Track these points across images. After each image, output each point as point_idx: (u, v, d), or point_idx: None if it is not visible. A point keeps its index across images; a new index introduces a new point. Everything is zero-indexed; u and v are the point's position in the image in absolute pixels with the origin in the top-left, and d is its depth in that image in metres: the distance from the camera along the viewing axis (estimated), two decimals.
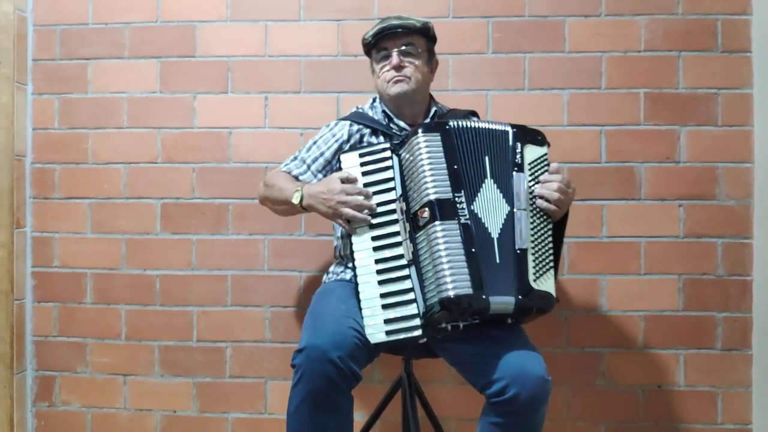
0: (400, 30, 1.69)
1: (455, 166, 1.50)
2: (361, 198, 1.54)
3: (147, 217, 2.17)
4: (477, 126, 1.56)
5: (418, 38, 1.73)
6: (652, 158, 2.08)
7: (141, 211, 2.17)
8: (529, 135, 1.59)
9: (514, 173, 1.53)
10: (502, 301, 1.43)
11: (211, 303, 2.15)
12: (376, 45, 1.74)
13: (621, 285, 2.08)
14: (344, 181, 1.56)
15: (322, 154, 1.76)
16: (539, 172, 1.57)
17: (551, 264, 1.52)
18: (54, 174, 2.20)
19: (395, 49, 1.70)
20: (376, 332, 1.47)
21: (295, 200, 1.63)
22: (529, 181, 1.55)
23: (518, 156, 1.55)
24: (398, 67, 1.70)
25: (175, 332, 2.16)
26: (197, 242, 2.16)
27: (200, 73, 2.16)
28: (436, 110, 1.80)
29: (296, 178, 1.76)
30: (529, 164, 1.56)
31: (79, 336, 2.18)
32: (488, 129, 1.57)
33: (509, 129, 1.58)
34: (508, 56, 2.11)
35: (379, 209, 1.55)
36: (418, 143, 1.51)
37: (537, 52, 2.10)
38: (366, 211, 1.53)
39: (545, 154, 1.59)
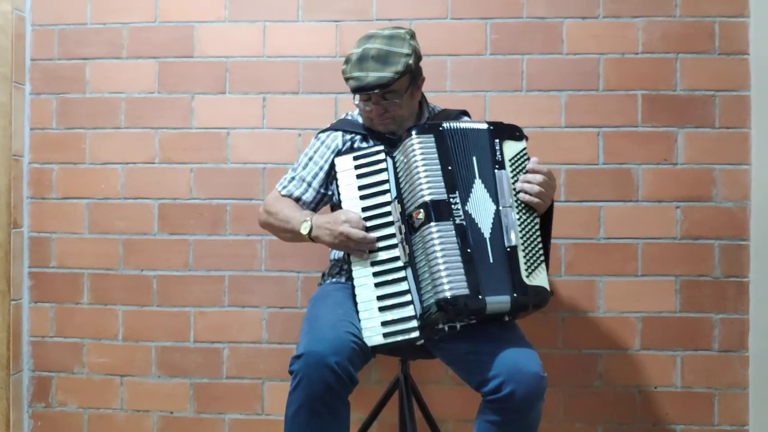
0: (377, 90, 1.59)
1: (449, 167, 1.50)
2: (362, 233, 1.51)
3: (144, 218, 2.17)
4: (463, 126, 1.56)
5: (399, 80, 1.60)
6: (650, 160, 2.08)
7: (138, 212, 2.17)
8: (506, 131, 1.58)
9: (496, 171, 1.53)
10: (498, 301, 1.44)
11: (208, 304, 2.15)
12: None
13: (618, 286, 2.08)
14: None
15: (321, 168, 1.72)
16: (520, 167, 1.56)
17: (542, 258, 1.52)
18: (51, 174, 2.20)
19: (374, 101, 1.63)
20: (373, 335, 1.48)
21: (304, 230, 1.59)
22: (511, 178, 1.54)
23: (498, 153, 1.55)
24: (380, 116, 1.65)
25: (172, 333, 2.15)
26: (194, 243, 2.16)
27: (198, 73, 2.16)
28: (428, 114, 1.79)
29: (298, 199, 1.72)
30: (510, 160, 1.56)
31: (76, 336, 2.18)
32: (470, 128, 1.56)
33: (486, 126, 1.57)
34: (506, 58, 2.11)
35: (375, 212, 1.55)
36: (412, 145, 1.51)
37: (535, 54, 2.11)
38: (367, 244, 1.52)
39: (524, 149, 1.59)
